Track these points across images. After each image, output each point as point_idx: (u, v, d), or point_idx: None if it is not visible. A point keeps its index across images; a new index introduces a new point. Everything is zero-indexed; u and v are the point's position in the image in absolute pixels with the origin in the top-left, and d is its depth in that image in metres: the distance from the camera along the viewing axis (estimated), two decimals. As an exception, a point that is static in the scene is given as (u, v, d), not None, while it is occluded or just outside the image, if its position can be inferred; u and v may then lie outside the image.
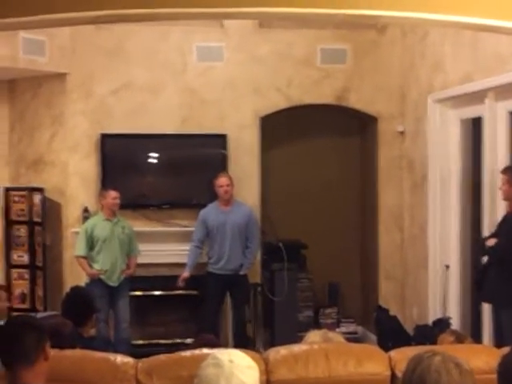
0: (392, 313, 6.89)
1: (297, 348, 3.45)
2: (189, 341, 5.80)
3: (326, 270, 7.65)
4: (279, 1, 3.37)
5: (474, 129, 6.19)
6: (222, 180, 6.59)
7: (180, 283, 6.61)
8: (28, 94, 7.19)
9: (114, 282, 6.40)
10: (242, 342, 6.36)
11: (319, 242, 7.52)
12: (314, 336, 3.60)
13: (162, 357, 3.45)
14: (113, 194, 6.40)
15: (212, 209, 6.67)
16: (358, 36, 7.27)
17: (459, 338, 3.82)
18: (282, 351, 3.42)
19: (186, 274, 6.60)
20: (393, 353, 3.44)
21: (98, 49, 7.02)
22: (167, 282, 6.99)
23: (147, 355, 3.43)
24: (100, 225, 6.41)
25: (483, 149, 5.76)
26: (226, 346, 5.85)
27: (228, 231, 6.58)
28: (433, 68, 6.57)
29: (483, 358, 3.29)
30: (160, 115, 7.08)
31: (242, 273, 6.64)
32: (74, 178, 7.03)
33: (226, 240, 6.58)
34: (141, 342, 6.95)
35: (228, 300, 6.85)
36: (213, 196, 6.74)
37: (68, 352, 3.44)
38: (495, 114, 5.61)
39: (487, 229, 5.53)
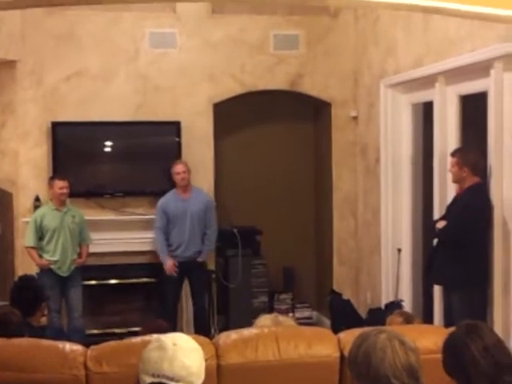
0: (345, 297, 6.95)
1: (247, 332, 3.45)
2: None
3: (281, 256, 7.68)
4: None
5: (425, 113, 6.25)
6: (178, 167, 6.59)
7: (173, 272, 6.56)
8: (-24, 82, 7.05)
9: (64, 272, 6.33)
10: (203, 330, 6.37)
11: (274, 227, 7.54)
12: (264, 320, 3.61)
13: (112, 344, 3.42)
14: (59, 183, 6.32)
15: (171, 197, 6.65)
16: (310, 21, 7.29)
17: (408, 319, 3.85)
18: (232, 335, 3.43)
19: (170, 261, 6.56)
20: (342, 335, 3.46)
21: (49, 35, 6.90)
22: (122, 270, 6.99)
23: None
24: (49, 215, 6.34)
25: (434, 132, 5.81)
26: (183, 332, 5.82)
27: (188, 219, 6.58)
28: (385, 53, 6.61)
29: (431, 337, 3.33)
30: (113, 102, 7.00)
31: (200, 259, 6.65)
32: (25, 167, 6.92)
33: (185, 227, 6.58)
34: (96, 331, 6.90)
35: (186, 287, 6.84)
36: (167, 184, 6.71)
37: (15, 341, 3.40)
38: (445, 98, 5.66)
39: (438, 212, 5.60)
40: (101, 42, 6.99)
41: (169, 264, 6.56)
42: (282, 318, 3.65)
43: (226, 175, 7.56)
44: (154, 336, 2.33)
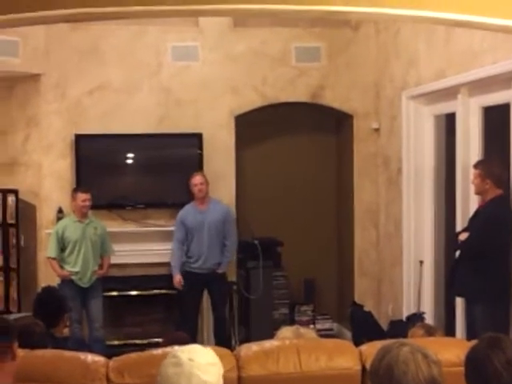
0: (367, 308, 6.92)
1: (268, 344, 3.45)
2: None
3: (302, 268, 7.66)
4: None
5: (448, 124, 6.22)
6: (196, 178, 6.62)
7: (180, 286, 6.61)
8: (1, 95, 7.12)
9: (85, 283, 6.38)
10: (224, 341, 6.37)
11: (295, 239, 7.53)
12: (285, 332, 3.60)
13: (133, 355, 3.44)
14: (82, 196, 6.38)
15: (189, 209, 6.69)
16: (332, 34, 7.30)
17: (430, 331, 3.83)
18: (254, 347, 3.43)
19: (178, 276, 6.61)
20: (364, 347, 3.45)
21: (73, 49, 6.98)
22: (143, 281, 7.02)
23: (124, 356, 3.42)
24: (71, 226, 6.40)
25: (456, 144, 5.79)
26: (204, 344, 5.82)
27: (206, 230, 6.60)
28: (406, 65, 6.60)
29: (453, 350, 3.31)
30: (135, 115, 7.06)
31: (220, 271, 6.67)
32: (49, 180, 6.99)
33: (203, 239, 6.60)
34: (117, 342, 6.92)
35: (206, 299, 6.86)
36: (188, 196, 6.73)
37: (39, 352, 3.43)
38: (468, 109, 5.64)
39: (460, 223, 5.57)
40: (124, 56, 7.06)
41: (177, 279, 6.60)
42: (303, 329, 3.64)
43: (248, 187, 7.58)
44: (170, 350, 2.32)
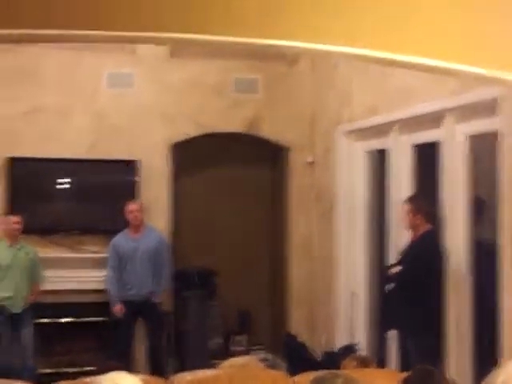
0: (301, 339, 6.96)
1: (201, 374, 3.46)
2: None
3: (237, 298, 7.62)
4: (188, 27, 3.38)
5: (380, 160, 6.36)
6: (132, 206, 6.62)
7: (120, 315, 6.53)
8: None
9: (16, 308, 6.26)
10: (158, 370, 6.30)
11: (231, 269, 7.51)
12: (229, 362, 3.61)
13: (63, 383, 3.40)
14: (14, 218, 6.31)
15: (122, 236, 6.67)
16: (269, 67, 7.38)
17: (363, 363, 3.89)
18: (187, 377, 3.44)
19: (119, 305, 6.54)
20: (297, 378, 3.49)
21: (8, 70, 6.88)
22: (75, 309, 6.91)
23: (53, 384, 3.37)
24: (3, 251, 6.29)
25: (388, 180, 5.93)
26: (137, 373, 5.74)
27: (138, 258, 6.57)
28: (341, 100, 6.74)
29: (385, 382, 3.37)
30: (69, 140, 6.98)
31: (154, 300, 6.62)
32: (-21, 203, 6.83)
33: (136, 267, 6.57)
34: (48, 370, 6.75)
35: (140, 327, 6.79)
36: (123, 222, 6.69)
37: (-34, 380, 3.35)
38: (399, 146, 5.79)
39: (392, 257, 5.68)
40: (60, 80, 6.99)
41: (117, 308, 6.55)
42: (245, 358, 3.66)
43: (184, 216, 7.53)
44: (92, 380, 2.32)
